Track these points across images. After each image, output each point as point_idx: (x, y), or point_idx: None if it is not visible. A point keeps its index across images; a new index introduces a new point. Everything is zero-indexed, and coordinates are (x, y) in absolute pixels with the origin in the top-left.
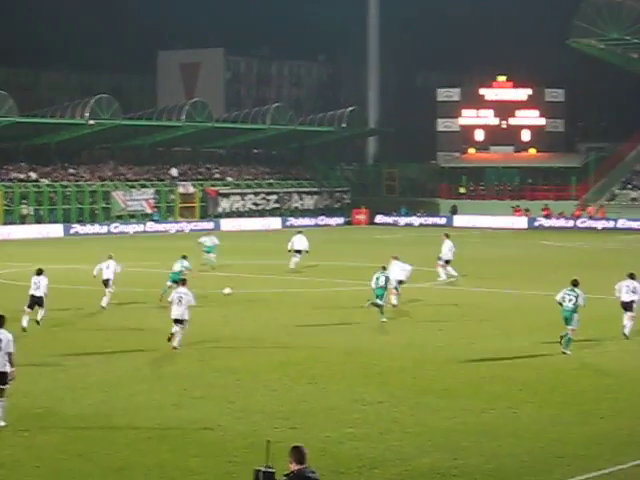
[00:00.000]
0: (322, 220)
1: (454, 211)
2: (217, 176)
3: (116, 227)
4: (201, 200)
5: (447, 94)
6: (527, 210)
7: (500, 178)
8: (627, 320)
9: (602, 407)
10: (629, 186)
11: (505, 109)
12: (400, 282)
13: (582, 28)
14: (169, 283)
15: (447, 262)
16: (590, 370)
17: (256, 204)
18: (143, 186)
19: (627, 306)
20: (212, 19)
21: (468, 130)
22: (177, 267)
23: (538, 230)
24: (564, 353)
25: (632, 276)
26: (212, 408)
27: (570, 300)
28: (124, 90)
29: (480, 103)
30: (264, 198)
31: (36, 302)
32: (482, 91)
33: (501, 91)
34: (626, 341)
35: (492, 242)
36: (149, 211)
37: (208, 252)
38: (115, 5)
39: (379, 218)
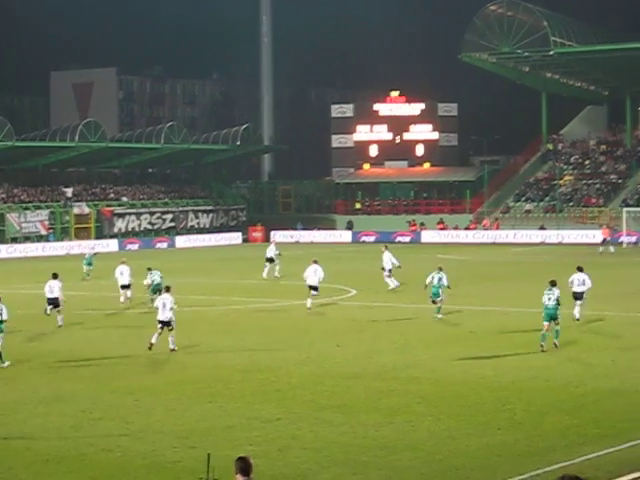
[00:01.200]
0: (218, 238)
1: (350, 226)
2: (112, 196)
3: (10, 250)
4: (96, 220)
5: (341, 110)
6: (422, 224)
7: (395, 193)
8: (577, 307)
9: (500, 418)
10: (523, 198)
11: (399, 124)
12: (312, 287)
13: (474, 42)
14: (151, 296)
15: (390, 271)
16: (488, 382)
17: (152, 223)
18: (37, 207)
19: (579, 296)
20: (104, 39)
21: (362, 146)
22: (157, 279)
23: (432, 244)
24: (555, 345)
25: (580, 269)
26: (111, 429)
27: (550, 298)
28: (16, 111)
29: (374, 119)
30: (160, 217)
31: (52, 303)
32: (376, 106)
33: (394, 106)
34: (522, 355)
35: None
36: (44, 232)
37: (88, 265)
38: (5, 26)
39: (275, 235)
